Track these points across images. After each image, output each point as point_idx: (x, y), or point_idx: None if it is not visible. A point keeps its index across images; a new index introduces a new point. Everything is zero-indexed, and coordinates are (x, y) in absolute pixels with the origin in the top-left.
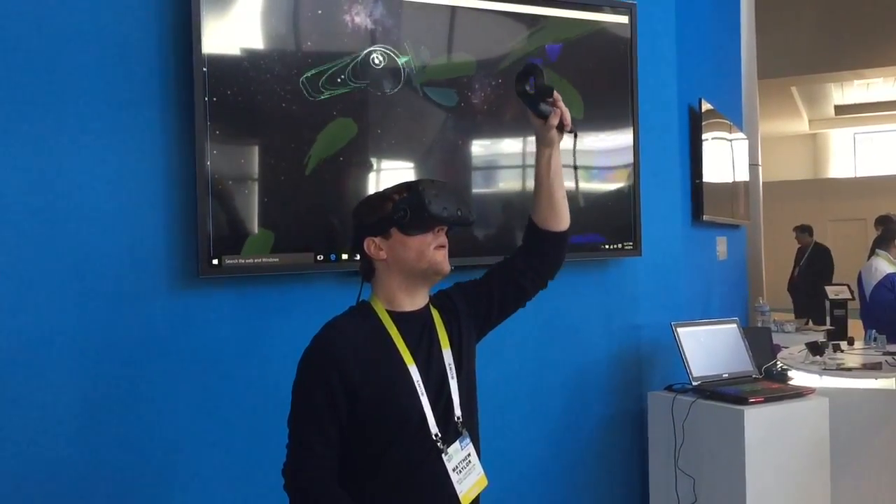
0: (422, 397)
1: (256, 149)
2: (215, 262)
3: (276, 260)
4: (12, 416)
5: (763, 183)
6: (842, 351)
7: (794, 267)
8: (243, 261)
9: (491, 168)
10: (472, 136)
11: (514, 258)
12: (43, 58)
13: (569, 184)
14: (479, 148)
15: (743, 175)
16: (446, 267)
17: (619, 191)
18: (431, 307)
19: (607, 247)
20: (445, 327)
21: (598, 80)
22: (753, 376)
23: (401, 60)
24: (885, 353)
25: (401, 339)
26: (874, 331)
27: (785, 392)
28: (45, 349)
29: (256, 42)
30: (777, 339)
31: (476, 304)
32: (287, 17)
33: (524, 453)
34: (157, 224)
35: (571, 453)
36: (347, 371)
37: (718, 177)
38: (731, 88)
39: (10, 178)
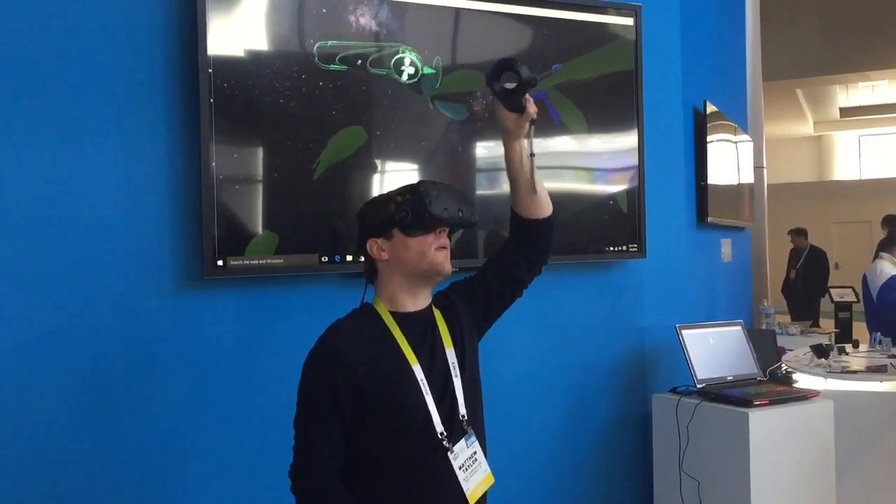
0: (426, 396)
1: (261, 150)
2: (220, 263)
3: (281, 261)
4: (16, 415)
5: (768, 185)
6: (846, 353)
7: (788, 270)
8: (248, 262)
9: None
10: (477, 140)
11: (504, 251)
12: (49, 60)
13: (578, 186)
14: (484, 150)
15: (748, 177)
16: (447, 267)
17: (623, 193)
18: (433, 307)
19: (612, 249)
20: (448, 327)
21: (603, 82)
22: (758, 379)
23: (422, 70)
24: (890, 356)
25: (404, 339)
26: (879, 333)
27: (790, 395)
28: (50, 349)
29: (262, 43)
30: (781, 341)
31: (474, 301)
32: (292, 16)
33: (529, 454)
34: (162, 225)
35: (576, 455)
36: (351, 371)
37: (723, 179)
38: (735, 90)
39: (16, 178)
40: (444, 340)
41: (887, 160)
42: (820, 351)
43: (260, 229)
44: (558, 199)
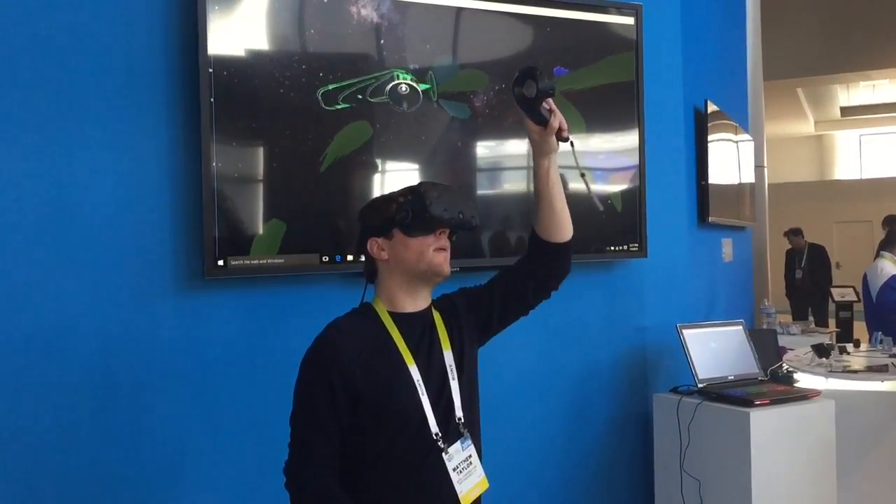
0: (422, 397)
1: (262, 149)
2: (221, 263)
3: (282, 261)
4: (19, 415)
5: (768, 184)
6: (847, 353)
7: (787, 272)
8: (249, 262)
9: (499, 170)
10: (480, 139)
11: (517, 267)
12: (50, 59)
13: (579, 186)
14: (486, 150)
15: (748, 176)
16: (446, 269)
17: (624, 192)
18: (433, 309)
19: (613, 248)
20: (447, 329)
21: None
22: (759, 378)
23: (419, 88)
24: (891, 356)
25: (401, 340)
26: (880, 333)
27: (791, 394)
28: (52, 349)
29: (263, 43)
30: (782, 341)
31: (476, 311)
32: (293, 15)
33: (529, 454)
34: (163, 225)
35: (576, 455)
36: (348, 370)
37: (724, 178)
38: (736, 90)
39: (17, 179)
40: (442, 342)
41: (888, 159)
42: (821, 350)
43: (261, 229)
44: None
